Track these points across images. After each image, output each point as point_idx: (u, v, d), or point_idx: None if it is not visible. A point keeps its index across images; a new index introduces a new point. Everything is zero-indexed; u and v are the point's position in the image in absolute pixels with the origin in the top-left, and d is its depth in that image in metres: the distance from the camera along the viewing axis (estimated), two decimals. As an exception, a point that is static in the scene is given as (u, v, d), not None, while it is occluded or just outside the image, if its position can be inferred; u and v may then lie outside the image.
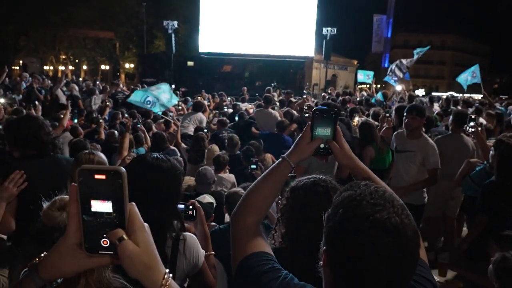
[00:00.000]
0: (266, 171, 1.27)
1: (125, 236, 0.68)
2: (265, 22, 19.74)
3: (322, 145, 1.24)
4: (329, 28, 19.57)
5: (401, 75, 10.09)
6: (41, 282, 0.73)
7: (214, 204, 2.98)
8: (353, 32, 45.82)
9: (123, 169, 0.68)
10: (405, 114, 3.90)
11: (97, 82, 14.34)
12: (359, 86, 15.48)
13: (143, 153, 4.80)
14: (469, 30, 60.29)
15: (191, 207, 1.89)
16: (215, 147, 5.16)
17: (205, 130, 5.99)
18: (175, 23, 19.10)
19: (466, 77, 9.67)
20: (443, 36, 56.26)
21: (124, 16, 29.30)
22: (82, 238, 0.69)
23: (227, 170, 4.35)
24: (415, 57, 10.11)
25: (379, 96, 10.18)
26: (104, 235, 0.68)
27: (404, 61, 10.18)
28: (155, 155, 1.54)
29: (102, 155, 2.58)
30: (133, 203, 0.71)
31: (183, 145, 5.45)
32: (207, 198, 3.00)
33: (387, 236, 0.80)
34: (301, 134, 1.27)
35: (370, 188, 0.89)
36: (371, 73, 13.86)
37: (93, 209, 0.68)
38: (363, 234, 0.81)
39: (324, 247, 0.89)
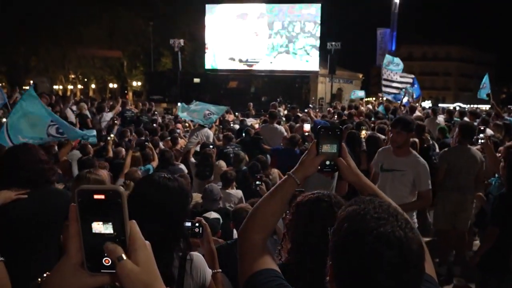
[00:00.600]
0: (273, 188, 1.29)
1: (124, 256, 0.68)
2: (270, 37, 20.02)
3: (327, 162, 1.25)
4: (333, 43, 19.75)
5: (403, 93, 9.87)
6: None
7: (221, 220, 2.97)
8: (357, 46, 46.20)
9: (121, 188, 0.68)
10: (390, 128, 3.53)
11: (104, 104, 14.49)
12: (365, 99, 15.71)
13: (150, 170, 4.84)
14: (474, 40, 60.30)
15: (197, 224, 1.88)
16: (222, 163, 5.18)
17: (211, 146, 6.02)
18: (181, 41, 19.45)
19: (480, 91, 9.65)
20: (447, 47, 56.34)
21: (132, 35, 29.87)
22: (83, 258, 0.69)
23: (234, 186, 4.35)
24: (391, 70, 9.96)
25: (380, 109, 10.18)
26: (106, 254, 0.68)
27: (393, 81, 10.04)
28: (163, 175, 1.54)
29: (105, 173, 2.56)
30: (134, 221, 0.70)
31: (192, 159, 5.46)
32: (214, 214, 3.00)
33: (391, 249, 0.80)
34: (306, 151, 1.28)
35: (374, 202, 0.89)
36: (358, 92, 17.88)
37: (93, 229, 0.68)
38: (368, 248, 0.81)
39: (330, 262, 0.90)
